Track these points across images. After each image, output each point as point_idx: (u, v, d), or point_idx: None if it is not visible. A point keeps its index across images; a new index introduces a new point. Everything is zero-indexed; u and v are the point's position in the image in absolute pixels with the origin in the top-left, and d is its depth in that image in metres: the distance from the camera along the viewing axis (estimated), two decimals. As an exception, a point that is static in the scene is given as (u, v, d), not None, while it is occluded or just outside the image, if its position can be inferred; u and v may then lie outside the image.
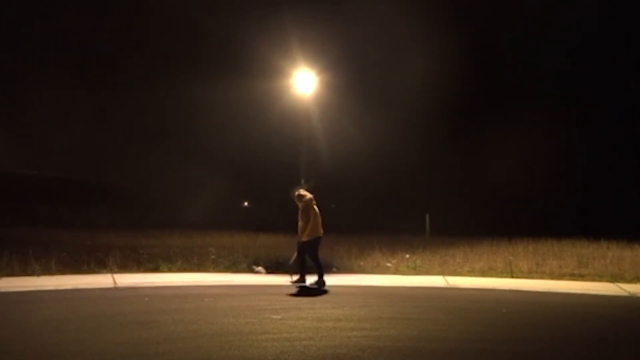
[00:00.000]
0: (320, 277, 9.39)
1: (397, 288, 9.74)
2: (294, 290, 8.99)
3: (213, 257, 11.87)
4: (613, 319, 7.44)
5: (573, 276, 11.38)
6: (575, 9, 32.19)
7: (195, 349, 5.24)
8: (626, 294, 9.62)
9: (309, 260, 9.56)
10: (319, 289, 9.12)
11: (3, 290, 8.28)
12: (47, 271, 9.77)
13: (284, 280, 10.00)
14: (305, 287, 9.34)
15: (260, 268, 11.31)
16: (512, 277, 11.28)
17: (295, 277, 9.69)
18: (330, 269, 11.55)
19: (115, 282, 9.27)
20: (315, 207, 9.64)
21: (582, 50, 33.49)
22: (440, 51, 30.55)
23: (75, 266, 10.50)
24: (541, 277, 11.27)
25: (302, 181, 12.10)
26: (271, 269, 11.17)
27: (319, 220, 9.65)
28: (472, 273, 11.65)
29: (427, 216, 21.58)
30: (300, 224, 9.53)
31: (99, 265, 10.52)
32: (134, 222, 26.05)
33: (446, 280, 10.73)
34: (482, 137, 31.98)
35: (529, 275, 11.49)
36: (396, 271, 11.72)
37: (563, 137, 31.22)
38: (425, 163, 32.70)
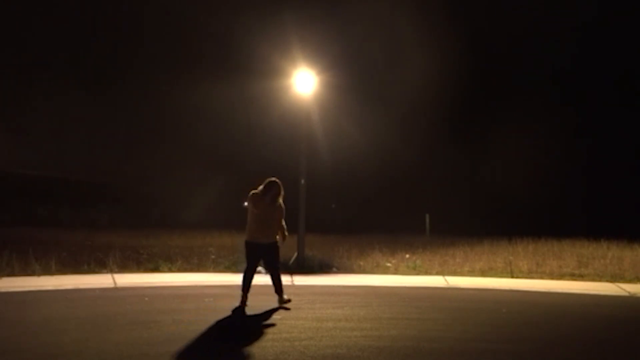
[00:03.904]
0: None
1: (397, 288, 9.74)
2: (294, 290, 8.98)
3: (213, 257, 11.87)
4: (613, 319, 7.44)
5: (573, 276, 11.38)
6: (576, 9, 32.19)
7: (195, 349, 5.24)
8: (626, 294, 9.62)
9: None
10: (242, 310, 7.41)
11: (3, 290, 8.28)
12: (47, 271, 9.77)
13: (284, 280, 9.96)
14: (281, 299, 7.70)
15: (260, 268, 11.27)
16: (512, 277, 11.28)
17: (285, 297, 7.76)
18: (330, 269, 11.56)
19: (115, 282, 9.27)
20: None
21: (582, 49, 33.49)
22: (440, 51, 30.55)
23: (75, 266, 10.51)
24: (541, 277, 11.26)
25: (302, 181, 12.07)
26: (271, 269, 11.16)
27: None
28: (472, 273, 11.65)
29: (427, 216, 21.56)
30: (270, 222, 7.60)
31: (99, 265, 10.52)
32: (134, 222, 26.02)
33: (446, 280, 10.73)
34: (483, 136, 31.98)
35: (529, 275, 11.49)
36: (396, 271, 11.72)
37: (563, 136, 31.21)
38: (425, 163, 32.69)
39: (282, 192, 7.61)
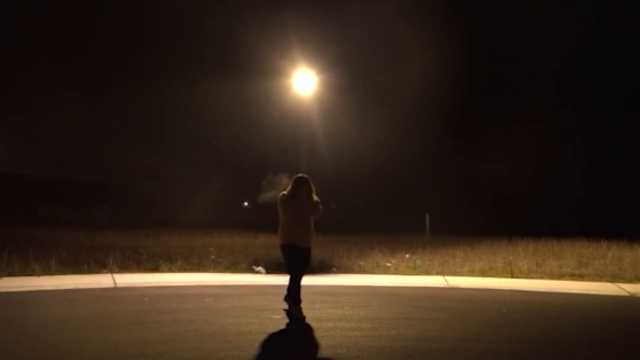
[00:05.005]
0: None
1: (397, 288, 9.74)
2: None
3: (213, 257, 11.87)
4: (613, 319, 7.43)
5: (573, 276, 11.38)
6: (576, 9, 32.21)
7: (195, 349, 5.24)
8: (626, 294, 9.61)
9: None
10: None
11: (3, 290, 8.27)
12: (47, 271, 9.77)
13: (284, 280, 9.97)
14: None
15: (260, 268, 11.31)
16: (512, 277, 11.28)
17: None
18: (331, 269, 11.55)
19: (115, 282, 9.27)
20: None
21: (582, 49, 33.51)
22: (440, 51, 30.58)
23: (75, 266, 10.51)
24: (541, 277, 11.26)
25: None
26: (271, 269, 11.17)
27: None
28: (472, 273, 11.65)
29: (427, 216, 21.57)
30: (303, 224, 6.84)
31: (99, 265, 10.52)
32: (134, 222, 26.06)
33: (446, 280, 10.73)
34: (482, 136, 32.01)
35: (529, 275, 11.49)
36: (396, 271, 11.72)
37: (563, 136, 31.24)
38: (425, 163, 32.72)
39: (313, 187, 6.85)
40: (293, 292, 6.74)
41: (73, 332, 5.81)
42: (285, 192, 6.86)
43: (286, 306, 6.86)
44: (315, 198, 6.87)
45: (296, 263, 6.81)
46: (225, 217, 30.14)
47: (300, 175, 6.97)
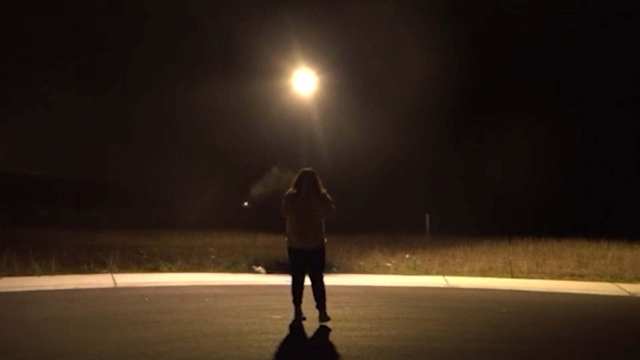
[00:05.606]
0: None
1: (397, 288, 9.74)
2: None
3: (213, 257, 11.88)
4: (613, 319, 7.43)
5: (573, 276, 11.38)
6: (576, 9, 32.21)
7: (195, 349, 5.24)
8: (626, 294, 9.61)
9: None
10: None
11: (3, 290, 8.28)
12: (47, 271, 9.78)
13: (284, 280, 9.98)
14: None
15: (260, 268, 11.32)
16: (512, 277, 11.28)
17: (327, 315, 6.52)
18: (331, 269, 11.56)
19: (115, 282, 9.27)
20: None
21: (583, 50, 33.51)
22: (440, 51, 30.56)
23: (75, 266, 10.52)
24: (541, 277, 11.26)
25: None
26: (271, 269, 11.18)
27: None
28: (472, 273, 11.65)
29: (427, 216, 21.56)
30: (308, 225, 6.44)
31: (99, 265, 10.53)
32: (134, 222, 26.06)
33: (446, 280, 10.73)
34: (482, 136, 32.01)
35: (529, 275, 11.49)
36: (396, 271, 11.73)
37: (563, 136, 31.23)
38: (426, 163, 32.69)
39: (320, 182, 6.43)
40: (294, 294, 6.56)
41: (73, 332, 5.81)
42: (292, 190, 6.48)
43: (318, 322, 6.42)
44: (324, 192, 6.46)
45: (297, 266, 6.49)
46: (225, 217, 30.14)
47: (304, 169, 6.56)
